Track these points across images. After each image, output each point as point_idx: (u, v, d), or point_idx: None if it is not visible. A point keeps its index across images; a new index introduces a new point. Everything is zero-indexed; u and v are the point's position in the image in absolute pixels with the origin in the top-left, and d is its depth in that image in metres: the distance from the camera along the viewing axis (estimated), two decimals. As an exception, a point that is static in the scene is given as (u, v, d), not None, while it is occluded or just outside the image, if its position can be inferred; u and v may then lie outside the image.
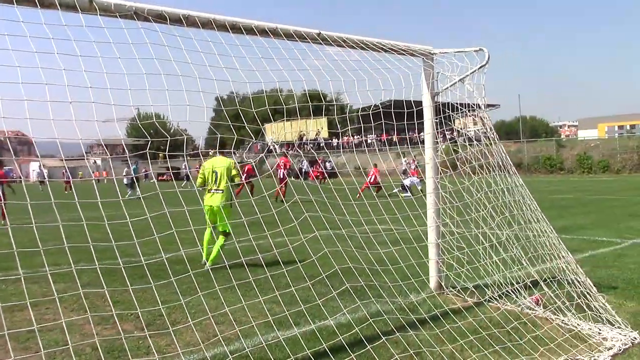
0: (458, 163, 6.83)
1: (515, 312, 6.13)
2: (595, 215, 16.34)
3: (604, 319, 5.73)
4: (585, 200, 21.91)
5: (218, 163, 9.31)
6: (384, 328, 5.56)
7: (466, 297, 6.72)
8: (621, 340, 5.30)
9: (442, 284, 7.27)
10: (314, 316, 5.97)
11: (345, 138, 49.82)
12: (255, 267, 6.76)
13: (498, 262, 6.53)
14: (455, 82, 6.92)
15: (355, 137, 44.34)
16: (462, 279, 6.83)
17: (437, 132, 7.38)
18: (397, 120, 6.60)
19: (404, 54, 6.93)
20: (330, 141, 57.62)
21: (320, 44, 6.19)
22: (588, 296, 6.03)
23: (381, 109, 6.52)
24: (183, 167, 37.02)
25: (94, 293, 6.96)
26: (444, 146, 7.58)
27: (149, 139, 5.33)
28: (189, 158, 7.11)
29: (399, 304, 6.36)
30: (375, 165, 25.19)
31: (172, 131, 6.70)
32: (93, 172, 42.25)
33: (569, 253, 6.50)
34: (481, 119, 7.19)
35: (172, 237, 4.61)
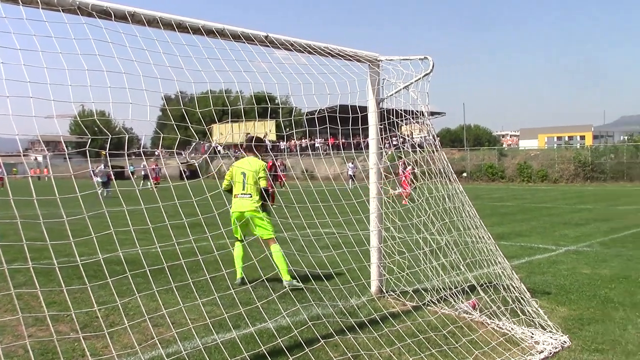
0: (400, 169, 6.94)
1: (452, 316, 6.26)
2: (533, 222, 16.81)
3: (537, 323, 5.91)
4: (524, 208, 22.54)
5: (247, 165, 8.26)
6: (323, 331, 5.59)
7: (405, 301, 6.82)
8: (552, 344, 5.47)
9: (383, 288, 7.37)
10: (255, 319, 5.95)
11: (292, 141, 49.85)
12: (197, 269, 6.70)
13: (437, 267, 6.66)
14: (400, 89, 7.03)
15: (303, 140, 44.39)
16: (402, 283, 6.94)
17: (383, 138, 7.48)
18: (344, 125, 6.64)
19: (350, 60, 7.00)
20: (277, 144, 57.52)
21: (268, 46, 6.19)
22: (522, 301, 6.21)
23: (326, 113, 6.56)
24: (129, 165, 36.33)
25: (29, 294, 6.77)
26: (389, 152, 7.67)
27: (90, 136, 5.22)
28: (134, 157, 6.99)
29: (340, 307, 6.42)
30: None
31: (117, 129, 6.58)
32: (32, 169, 40.92)
33: (505, 259, 6.68)
34: (425, 126, 7.32)
35: (111, 237, 4.51)
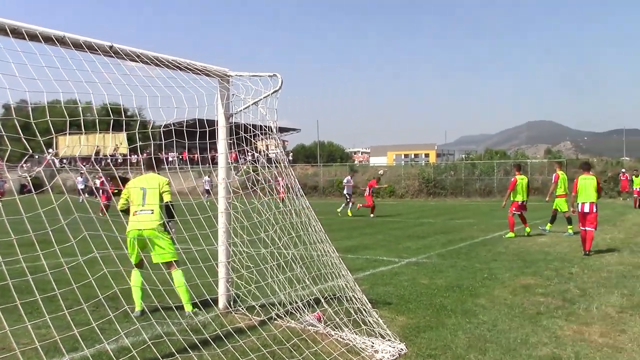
0: (249, 184, 6.98)
1: (297, 330, 6.36)
2: (379, 236, 17.55)
3: (377, 332, 6.18)
4: (372, 222, 23.46)
5: (145, 182, 7.53)
6: (166, 350, 5.46)
7: (252, 317, 6.84)
8: (390, 352, 5.75)
9: (230, 303, 7.35)
10: (94, 340, 5.68)
11: (144, 155, 48.16)
12: (29, 290, 6.27)
13: (284, 280, 6.76)
14: (250, 105, 7.09)
15: (156, 154, 43.14)
16: (250, 298, 6.96)
17: (234, 153, 7.50)
18: (199, 139, 6.55)
19: (199, 74, 6.96)
20: (129, 157, 55.39)
21: (112, 57, 6.00)
22: (364, 312, 6.47)
23: (173, 127, 6.44)
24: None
25: None
26: (245, 167, 7.68)
27: None
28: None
29: (184, 325, 6.30)
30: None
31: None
32: None
33: (348, 272, 6.92)
34: (274, 141, 7.43)
35: None
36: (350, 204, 27.08)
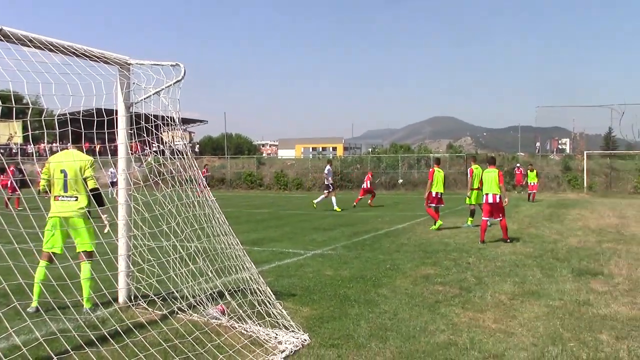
0: (151, 175, 6.80)
1: (200, 323, 6.29)
2: (286, 228, 17.60)
3: (281, 324, 6.22)
4: (279, 215, 23.49)
5: (67, 159, 7.03)
6: (60, 348, 5.24)
7: (153, 311, 6.68)
8: (293, 342, 5.79)
9: (130, 297, 7.16)
10: (-19, 340, 5.38)
11: (42, 145, 45.95)
12: None
13: (187, 273, 6.65)
14: (151, 95, 6.91)
15: (54, 144, 41.25)
16: (151, 292, 6.80)
17: (136, 144, 7.29)
18: (98, 128, 6.26)
19: (98, 61, 6.71)
20: (25, 147, 52.73)
21: (2, 40, 5.67)
22: (268, 304, 6.48)
23: (68, 117, 6.15)
24: None
25: None
26: (149, 159, 7.46)
27: None
28: None
29: (80, 321, 6.06)
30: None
31: None
32: None
33: (253, 264, 6.91)
34: (183, 132, 7.28)
35: None
36: (333, 197, 25.38)
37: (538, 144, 61.73)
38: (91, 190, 7.01)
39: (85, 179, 7.00)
